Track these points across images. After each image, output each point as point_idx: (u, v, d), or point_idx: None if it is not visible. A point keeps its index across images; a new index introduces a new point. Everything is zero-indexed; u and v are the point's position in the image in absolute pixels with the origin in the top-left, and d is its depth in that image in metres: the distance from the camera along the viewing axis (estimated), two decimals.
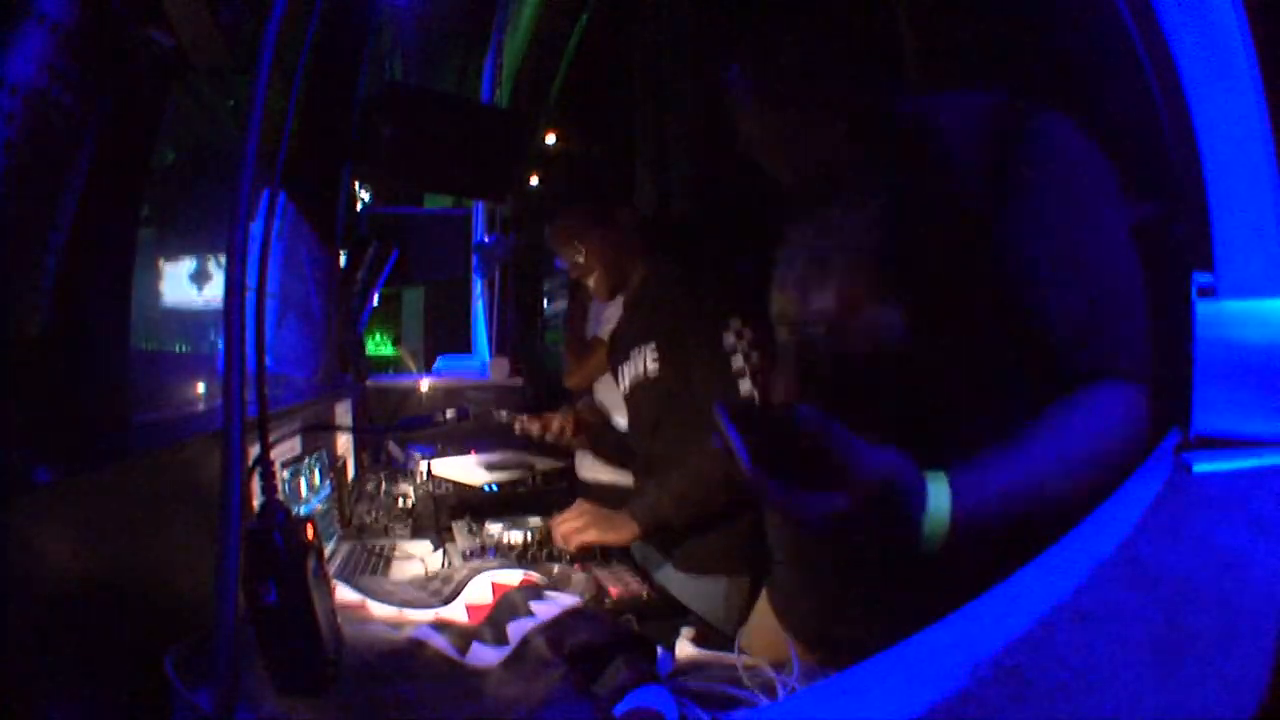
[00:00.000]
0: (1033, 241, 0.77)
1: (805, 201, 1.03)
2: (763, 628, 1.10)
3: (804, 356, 0.98)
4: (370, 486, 1.87)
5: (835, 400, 0.91)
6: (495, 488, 1.83)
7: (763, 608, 1.13)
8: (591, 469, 2.01)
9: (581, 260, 1.60)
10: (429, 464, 1.95)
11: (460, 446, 2.24)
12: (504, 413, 1.99)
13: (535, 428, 1.91)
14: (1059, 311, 0.76)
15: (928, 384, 0.85)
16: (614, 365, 1.67)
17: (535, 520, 1.57)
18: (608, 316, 1.98)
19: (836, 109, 0.94)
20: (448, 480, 1.86)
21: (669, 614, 1.16)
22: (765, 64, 0.96)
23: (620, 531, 1.41)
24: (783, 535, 1.06)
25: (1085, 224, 0.78)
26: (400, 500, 1.75)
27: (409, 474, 1.96)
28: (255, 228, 0.60)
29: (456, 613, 0.90)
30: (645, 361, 1.51)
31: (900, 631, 0.45)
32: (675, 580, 1.49)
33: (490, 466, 1.97)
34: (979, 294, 0.80)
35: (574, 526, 1.38)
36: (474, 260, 3.66)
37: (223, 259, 0.47)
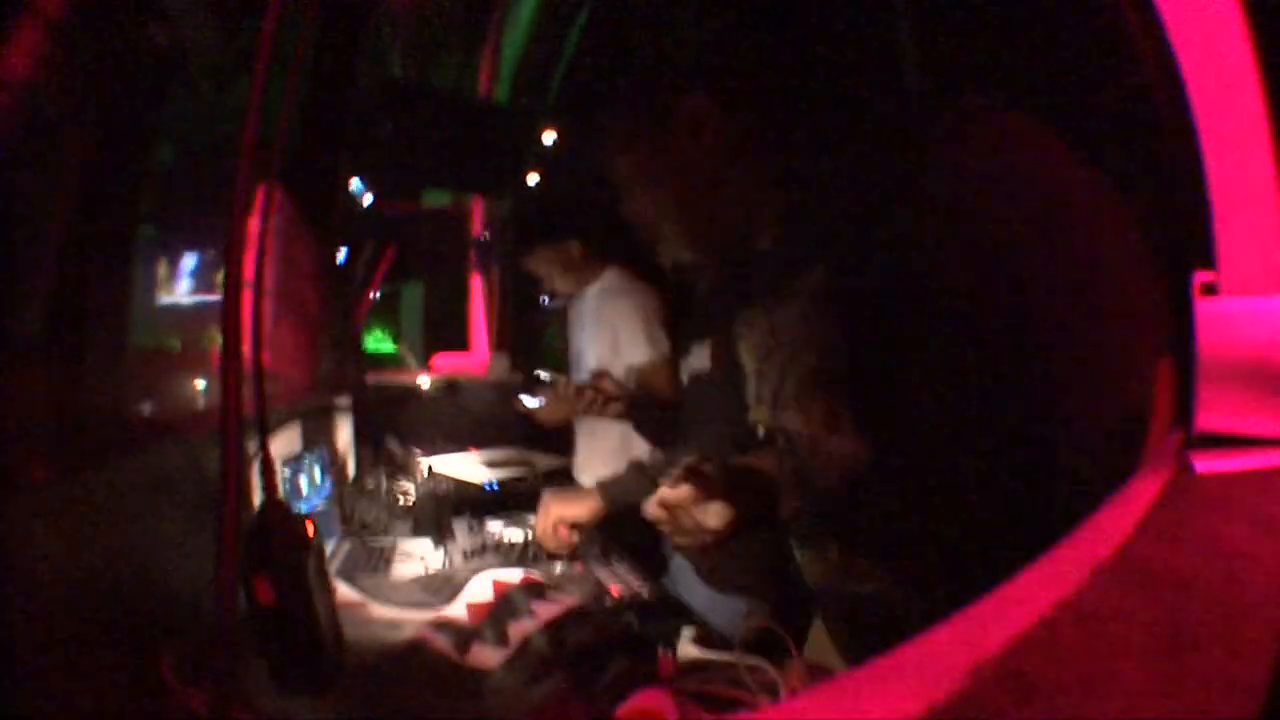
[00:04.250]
0: None
1: (715, 284, 0.94)
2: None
3: (794, 470, 0.89)
4: (370, 485, 1.87)
5: (829, 519, 0.86)
6: (496, 485, 1.83)
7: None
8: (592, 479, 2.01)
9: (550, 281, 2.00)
10: (430, 462, 1.95)
11: (461, 444, 2.24)
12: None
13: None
14: None
15: (901, 506, 0.80)
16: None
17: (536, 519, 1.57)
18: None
19: (758, 177, 0.81)
20: (448, 478, 1.86)
21: (670, 614, 1.16)
22: (655, 117, 0.80)
23: (578, 504, 1.39)
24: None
25: None
26: (400, 499, 1.75)
27: (409, 472, 1.96)
28: (253, 224, 0.59)
29: (457, 612, 0.90)
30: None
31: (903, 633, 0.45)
32: (700, 595, 1.48)
33: (491, 464, 1.97)
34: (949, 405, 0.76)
35: (539, 521, 1.37)
36: (472, 257, 3.66)
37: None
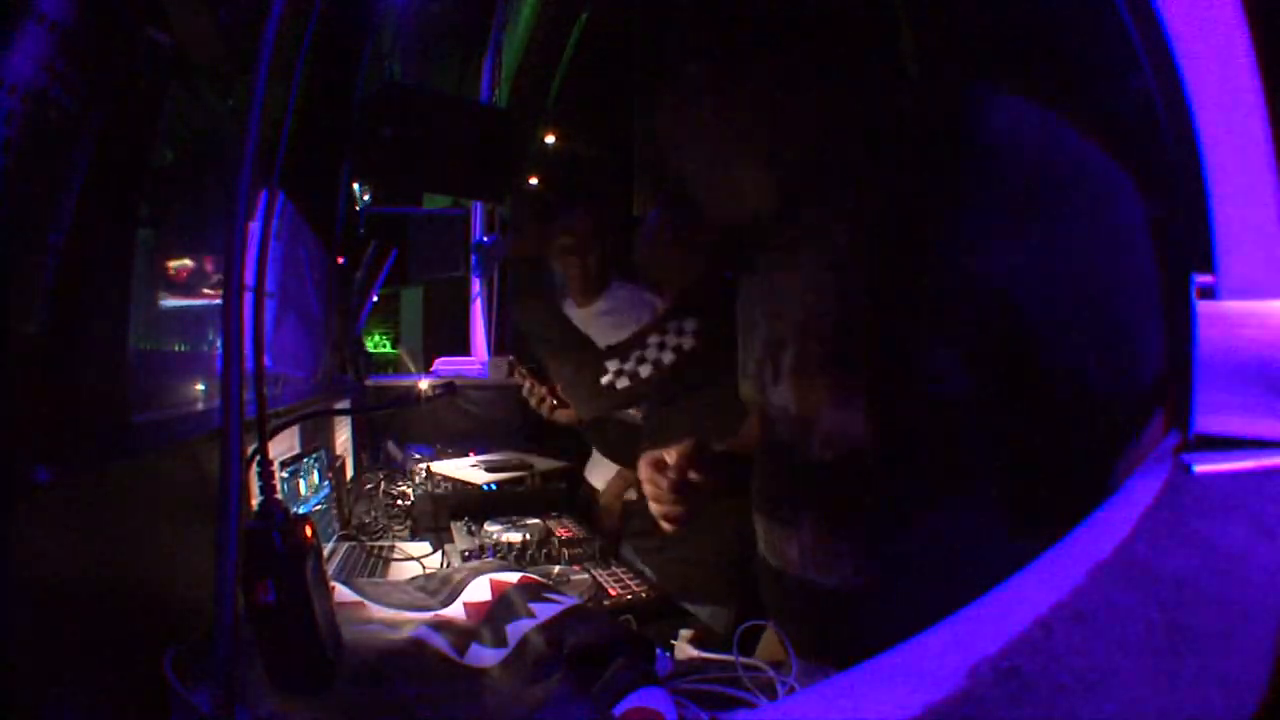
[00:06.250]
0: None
1: (744, 246, 0.96)
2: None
3: (778, 446, 0.91)
4: (369, 487, 1.87)
5: (808, 498, 0.87)
6: (494, 487, 1.83)
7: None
8: (603, 480, 2.02)
9: (576, 261, 1.79)
10: (428, 464, 1.95)
11: (460, 448, 2.24)
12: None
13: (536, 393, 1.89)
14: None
15: (897, 488, 0.81)
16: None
17: (534, 521, 1.57)
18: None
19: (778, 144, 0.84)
20: (447, 479, 1.86)
21: (668, 614, 1.16)
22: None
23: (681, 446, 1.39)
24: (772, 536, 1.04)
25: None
26: (399, 500, 1.75)
27: (408, 474, 1.96)
28: (254, 227, 0.60)
29: (455, 613, 0.90)
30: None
31: (897, 633, 0.45)
32: None
33: (489, 466, 1.97)
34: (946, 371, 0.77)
35: (671, 506, 1.34)
36: (473, 260, 3.66)
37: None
